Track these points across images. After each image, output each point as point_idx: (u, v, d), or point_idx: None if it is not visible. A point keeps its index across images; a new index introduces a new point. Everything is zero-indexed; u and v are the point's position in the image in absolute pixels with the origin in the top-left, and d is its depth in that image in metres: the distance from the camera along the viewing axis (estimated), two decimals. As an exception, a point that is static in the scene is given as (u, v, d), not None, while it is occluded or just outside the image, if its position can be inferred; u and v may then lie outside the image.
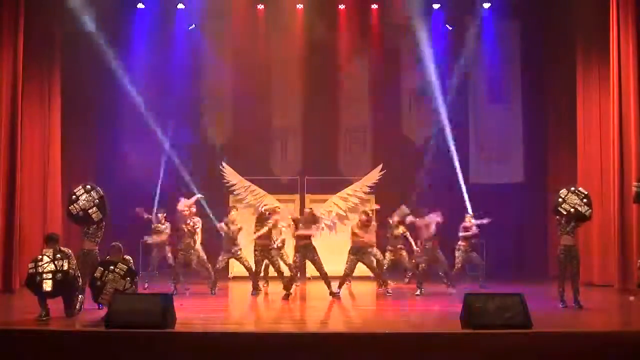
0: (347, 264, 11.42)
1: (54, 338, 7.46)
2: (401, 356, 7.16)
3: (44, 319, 8.42)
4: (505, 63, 15.54)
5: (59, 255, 8.64)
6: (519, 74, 15.53)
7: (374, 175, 15.16)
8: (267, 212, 11.96)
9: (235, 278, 13.66)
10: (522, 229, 15.29)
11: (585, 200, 9.87)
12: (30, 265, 8.60)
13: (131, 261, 8.94)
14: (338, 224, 14.89)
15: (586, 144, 13.06)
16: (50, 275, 8.50)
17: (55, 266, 8.56)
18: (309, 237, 11.21)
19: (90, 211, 9.53)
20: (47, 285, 8.49)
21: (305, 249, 11.16)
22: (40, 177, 12.71)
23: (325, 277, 11.18)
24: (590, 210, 9.90)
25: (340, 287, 11.33)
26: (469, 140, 15.74)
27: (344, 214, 14.93)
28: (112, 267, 8.51)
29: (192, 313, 9.21)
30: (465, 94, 15.79)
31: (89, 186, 9.76)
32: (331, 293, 11.00)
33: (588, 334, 7.62)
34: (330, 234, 14.51)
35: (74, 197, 9.65)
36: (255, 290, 11.57)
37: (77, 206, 9.58)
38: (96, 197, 9.61)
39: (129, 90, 15.02)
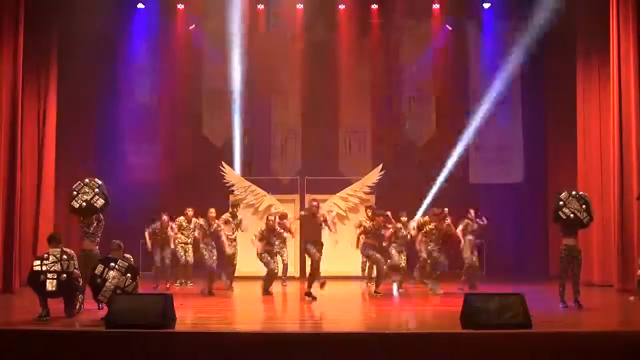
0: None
1: (54, 338, 7.45)
2: (401, 356, 7.16)
3: (44, 319, 8.41)
4: (505, 63, 15.53)
5: (65, 257, 8.63)
6: (519, 74, 15.53)
7: (374, 175, 15.16)
8: (275, 220, 11.99)
9: (235, 278, 13.60)
10: (522, 229, 15.29)
11: (584, 206, 9.81)
12: (36, 262, 8.58)
13: (131, 259, 8.93)
14: (338, 223, 14.85)
15: (586, 144, 13.06)
16: (55, 275, 8.48)
17: (62, 266, 8.55)
18: (320, 232, 11.13)
19: (92, 200, 9.61)
20: (51, 285, 8.46)
21: (316, 244, 11.10)
22: (40, 177, 12.71)
23: (314, 276, 11.09)
24: (589, 218, 9.85)
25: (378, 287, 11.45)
26: (469, 140, 15.73)
27: (344, 214, 14.93)
28: (112, 264, 8.47)
29: (192, 313, 9.22)
30: (465, 94, 15.79)
31: (86, 180, 9.86)
32: (308, 293, 10.91)
33: (588, 334, 7.61)
34: (330, 234, 14.47)
35: (74, 192, 9.74)
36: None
37: (79, 199, 9.63)
38: (95, 186, 9.72)
39: (128, 89, 15.06)
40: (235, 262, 12.42)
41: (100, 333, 7.51)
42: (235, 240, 12.38)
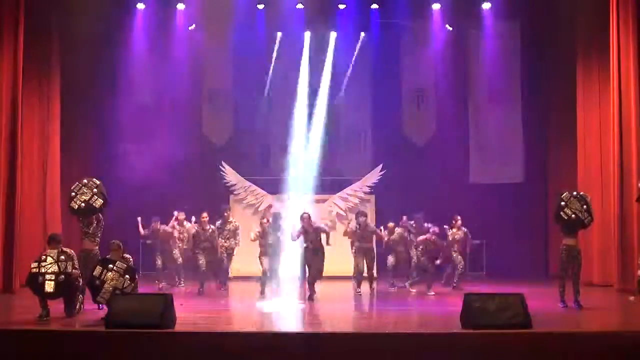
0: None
1: (54, 338, 7.46)
2: (401, 356, 7.17)
3: (44, 319, 8.42)
4: (505, 63, 15.53)
5: (62, 257, 8.62)
6: (519, 74, 15.52)
7: (374, 175, 15.15)
8: (268, 219, 12.01)
9: (235, 278, 13.61)
10: (522, 229, 15.28)
11: (585, 207, 9.87)
12: (34, 265, 8.59)
13: (131, 259, 8.94)
14: (338, 224, 14.86)
15: (586, 144, 13.06)
16: (53, 277, 8.48)
17: (59, 267, 8.55)
18: (319, 239, 11.26)
19: (91, 201, 9.62)
20: (50, 287, 8.47)
21: (316, 252, 11.19)
22: (40, 177, 12.72)
23: (315, 279, 11.17)
24: (590, 219, 9.91)
25: (359, 286, 11.72)
26: (469, 140, 15.74)
27: (344, 214, 14.92)
28: (110, 266, 8.48)
29: (192, 313, 9.21)
30: (465, 94, 15.79)
31: (85, 180, 9.87)
32: (310, 297, 10.98)
33: (588, 334, 7.63)
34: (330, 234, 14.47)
35: (72, 193, 9.76)
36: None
37: (77, 200, 9.64)
38: (94, 186, 9.72)
39: (128, 90, 15.05)
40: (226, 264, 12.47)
41: (100, 333, 7.52)
42: (229, 246, 12.36)
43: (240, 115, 15.52)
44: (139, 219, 12.63)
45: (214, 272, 12.34)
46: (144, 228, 12.64)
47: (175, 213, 12.73)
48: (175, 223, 12.66)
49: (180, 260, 12.56)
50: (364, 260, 12.04)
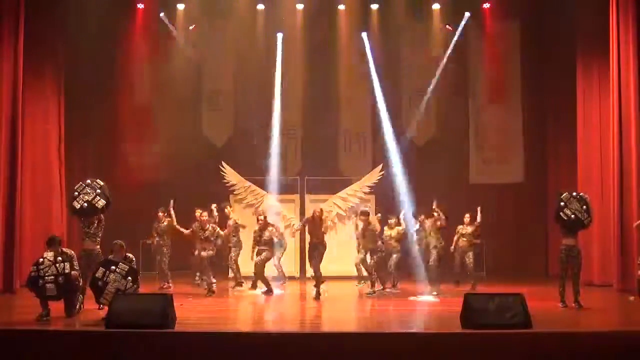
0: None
1: (54, 338, 7.47)
2: (401, 356, 7.17)
3: (44, 319, 8.43)
4: (505, 63, 15.53)
5: (60, 258, 8.64)
6: (519, 74, 15.52)
7: (374, 175, 15.15)
8: (265, 217, 12.06)
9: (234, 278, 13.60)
10: (522, 229, 15.29)
11: (585, 207, 9.92)
12: (33, 268, 8.61)
13: (133, 259, 8.95)
14: (338, 224, 14.87)
15: (586, 144, 13.06)
16: (52, 278, 8.51)
17: (57, 269, 8.56)
18: (322, 236, 11.26)
19: (93, 201, 9.60)
20: (51, 290, 8.50)
21: (316, 248, 11.22)
22: (40, 177, 12.72)
23: (315, 277, 11.20)
24: (590, 219, 9.95)
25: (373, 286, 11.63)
26: (469, 140, 15.74)
27: (344, 214, 14.92)
28: (113, 267, 8.49)
29: (192, 313, 9.22)
30: (465, 94, 15.79)
31: (88, 180, 9.87)
32: (318, 295, 11.00)
33: (588, 334, 7.63)
34: (330, 234, 14.47)
35: (75, 193, 9.76)
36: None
37: (80, 200, 9.63)
38: (97, 187, 9.71)
39: (129, 90, 15.06)
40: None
41: (100, 333, 7.53)
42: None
43: (240, 115, 15.52)
44: (172, 201, 12.28)
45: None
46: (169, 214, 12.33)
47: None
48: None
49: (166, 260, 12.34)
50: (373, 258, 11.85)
